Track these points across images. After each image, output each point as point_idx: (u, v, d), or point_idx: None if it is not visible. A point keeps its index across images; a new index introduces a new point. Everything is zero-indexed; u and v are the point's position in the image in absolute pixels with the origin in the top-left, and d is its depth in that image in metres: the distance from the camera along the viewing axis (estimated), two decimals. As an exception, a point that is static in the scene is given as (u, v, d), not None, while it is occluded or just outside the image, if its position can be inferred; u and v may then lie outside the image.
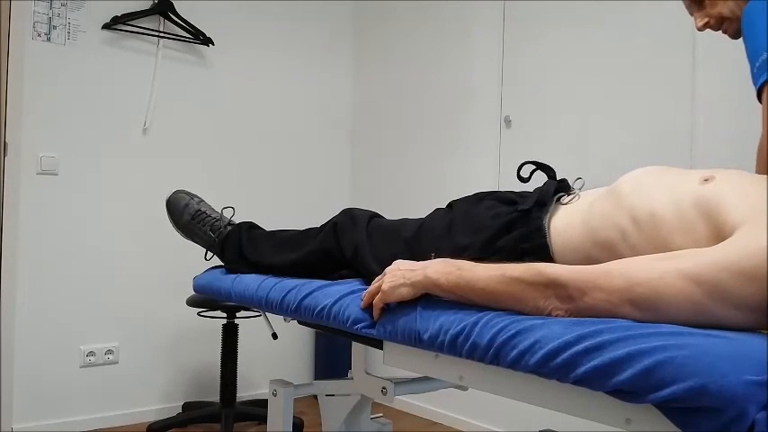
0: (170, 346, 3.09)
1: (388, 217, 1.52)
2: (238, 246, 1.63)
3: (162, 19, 3.03)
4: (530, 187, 1.30)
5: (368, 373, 1.60)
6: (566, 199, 1.21)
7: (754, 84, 1.17)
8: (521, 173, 1.31)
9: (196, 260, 1.79)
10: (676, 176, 1.07)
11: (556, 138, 2.66)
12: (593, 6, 2.56)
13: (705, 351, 0.72)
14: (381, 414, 1.95)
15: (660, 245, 0.97)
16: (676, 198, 1.00)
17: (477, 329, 0.95)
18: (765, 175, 0.99)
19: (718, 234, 0.90)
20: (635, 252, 0.98)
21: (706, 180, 1.00)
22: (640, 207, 1.03)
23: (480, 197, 1.35)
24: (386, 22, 3.52)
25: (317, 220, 1.63)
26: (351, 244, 1.40)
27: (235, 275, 1.60)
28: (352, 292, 1.26)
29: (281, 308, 1.40)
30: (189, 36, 3.09)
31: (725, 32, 1.35)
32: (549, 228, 1.16)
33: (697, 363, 0.71)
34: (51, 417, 2.78)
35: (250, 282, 1.52)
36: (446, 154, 3.14)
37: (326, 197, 3.56)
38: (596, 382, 0.79)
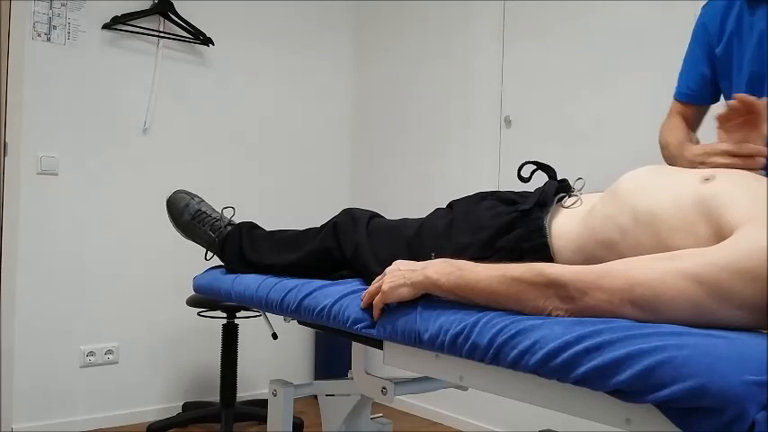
0: (170, 346, 3.09)
1: (388, 217, 1.51)
2: (238, 246, 1.63)
3: (162, 19, 3.02)
4: (530, 187, 1.30)
5: (368, 373, 1.59)
6: (567, 202, 1.21)
7: None
8: (521, 173, 1.31)
9: (196, 260, 1.79)
10: (677, 176, 1.07)
11: (556, 138, 2.66)
12: (594, 5, 2.56)
13: (705, 351, 0.72)
14: (381, 414, 1.95)
15: (661, 244, 0.97)
16: (677, 197, 1.00)
17: (477, 329, 0.95)
18: (765, 176, 0.99)
19: (719, 233, 0.90)
20: (635, 251, 0.98)
21: (707, 179, 1.00)
22: (641, 206, 1.03)
23: (481, 197, 1.35)
24: (386, 23, 3.52)
25: (317, 220, 1.62)
26: (351, 244, 1.40)
27: (235, 275, 1.59)
28: (352, 292, 1.26)
29: (281, 308, 1.40)
30: (189, 36, 3.09)
31: None
32: (549, 228, 1.16)
33: (697, 363, 0.71)
34: (51, 417, 2.78)
35: (250, 282, 1.52)
36: (446, 154, 3.14)
37: (326, 197, 3.56)
38: (596, 382, 0.79)
